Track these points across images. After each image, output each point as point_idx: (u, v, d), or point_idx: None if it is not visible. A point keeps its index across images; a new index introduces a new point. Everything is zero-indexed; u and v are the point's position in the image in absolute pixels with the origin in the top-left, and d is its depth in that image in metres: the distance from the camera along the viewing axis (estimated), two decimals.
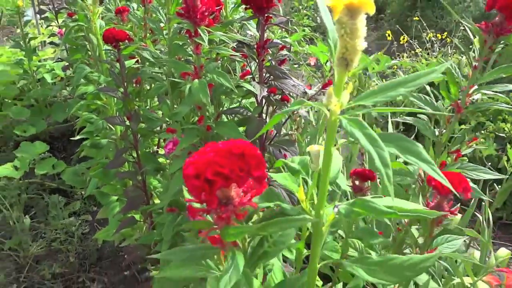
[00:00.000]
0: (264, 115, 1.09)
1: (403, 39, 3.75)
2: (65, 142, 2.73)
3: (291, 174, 0.48)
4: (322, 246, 0.48)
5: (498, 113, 2.25)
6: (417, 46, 3.37)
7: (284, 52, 1.08)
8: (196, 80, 0.93)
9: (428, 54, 3.27)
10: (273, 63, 1.06)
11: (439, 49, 3.30)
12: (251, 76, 1.05)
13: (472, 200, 1.53)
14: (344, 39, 0.37)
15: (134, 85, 1.47)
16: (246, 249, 0.47)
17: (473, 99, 0.81)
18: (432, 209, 0.67)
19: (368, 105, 0.40)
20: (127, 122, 1.19)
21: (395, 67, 2.96)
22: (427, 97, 0.84)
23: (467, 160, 0.83)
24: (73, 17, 1.75)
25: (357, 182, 0.83)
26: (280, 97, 1.03)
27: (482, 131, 2.28)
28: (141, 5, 1.60)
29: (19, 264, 1.81)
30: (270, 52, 1.11)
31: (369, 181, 0.82)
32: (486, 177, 0.80)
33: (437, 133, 0.84)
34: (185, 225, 0.68)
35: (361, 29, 0.37)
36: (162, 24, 1.30)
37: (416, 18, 4.09)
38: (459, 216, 1.59)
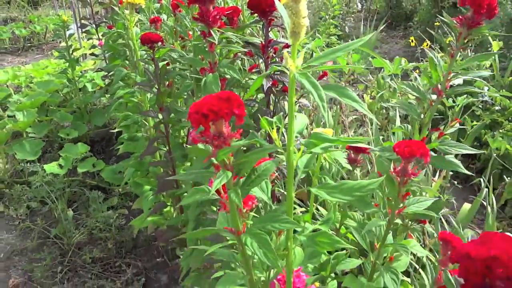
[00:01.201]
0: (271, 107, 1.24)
1: (427, 45, 3.83)
2: (104, 145, 2.96)
3: (269, 123, 0.64)
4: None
5: None
6: (439, 51, 3.44)
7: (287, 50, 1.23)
8: (210, 74, 1.09)
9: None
10: (277, 60, 1.21)
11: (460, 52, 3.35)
12: (257, 70, 1.21)
13: (483, 192, 1.61)
14: (292, 18, 0.52)
15: (166, 86, 1.66)
16: (240, 183, 0.62)
17: (453, 83, 0.93)
18: (397, 173, 0.80)
19: (317, 65, 0.55)
20: (160, 115, 1.37)
21: (417, 71, 3.06)
22: (415, 84, 0.97)
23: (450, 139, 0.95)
24: (112, 29, 1.97)
25: (352, 155, 0.96)
26: (281, 88, 1.18)
27: (500, 130, 2.34)
28: (171, 15, 1.79)
29: (63, 249, 2.01)
30: (277, 49, 1.27)
31: (363, 153, 0.95)
32: (464, 152, 0.91)
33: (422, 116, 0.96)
34: (190, 151, 0.82)
35: (303, 10, 0.52)
36: (189, 31, 1.48)
37: (437, 23, 4.15)
38: (468, 205, 1.67)
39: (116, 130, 1.96)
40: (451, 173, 1.89)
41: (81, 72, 3.10)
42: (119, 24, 1.52)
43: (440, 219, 1.44)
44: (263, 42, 1.23)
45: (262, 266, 0.72)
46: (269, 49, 1.25)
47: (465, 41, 0.89)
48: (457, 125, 0.95)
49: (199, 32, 1.38)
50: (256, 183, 0.63)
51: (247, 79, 1.24)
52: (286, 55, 0.56)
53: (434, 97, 0.92)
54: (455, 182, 2.07)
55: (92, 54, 2.94)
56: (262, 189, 0.71)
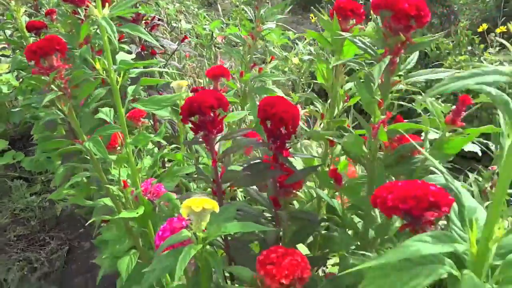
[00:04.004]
0: None
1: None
2: (24, 141, 3.08)
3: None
4: None
5: None
6: None
7: (156, 21, 1.48)
8: (84, 45, 1.32)
9: None
10: (147, 30, 1.46)
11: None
12: (129, 38, 1.45)
13: None
14: None
15: None
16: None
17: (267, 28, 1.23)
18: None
19: (120, 10, 0.81)
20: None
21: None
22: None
23: None
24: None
25: None
26: (150, 51, 1.43)
27: None
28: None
29: None
30: (147, 23, 1.52)
31: None
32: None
33: None
34: (32, 79, 1.05)
35: None
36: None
37: None
38: None
39: (29, 115, 2.12)
40: None
41: None
42: (8, 15, 1.70)
43: None
44: (133, 17, 1.48)
45: (100, 162, 0.97)
46: (139, 22, 1.50)
47: None
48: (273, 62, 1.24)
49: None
50: (91, 105, 0.88)
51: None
52: (92, 7, 0.81)
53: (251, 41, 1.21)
54: None
55: (3, 55, 3.03)
56: (105, 112, 0.96)
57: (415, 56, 0.79)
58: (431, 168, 0.79)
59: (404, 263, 0.41)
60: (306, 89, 2.49)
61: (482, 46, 2.72)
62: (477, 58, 2.66)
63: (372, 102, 0.72)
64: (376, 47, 0.79)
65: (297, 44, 2.63)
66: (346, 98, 0.92)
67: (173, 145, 1.44)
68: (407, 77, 0.71)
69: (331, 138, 0.85)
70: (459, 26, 2.75)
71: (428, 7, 0.70)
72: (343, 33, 0.78)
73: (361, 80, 0.77)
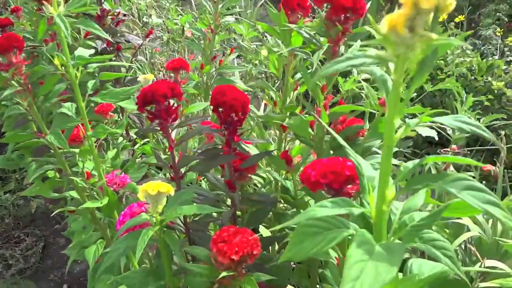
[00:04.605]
0: None
1: None
2: None
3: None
4: None
5: None
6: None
7: (121, 16, 1.51)
8: (51, 43, 1.35)
9: None
10: (112, 25, 1.49)
11: None
12: (91, 36, 1.48)
13: None
14: None
15: None
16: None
17: (225, 21, 1.27)
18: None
19: (74, 7, 0.84)
20: None
21: None
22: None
23: None
24: None
25: None
26: (115, 47, 1.46)
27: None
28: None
29: None
30: (114, 18, 1.54)
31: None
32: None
33: None
34: None
35: None
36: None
37: None
38: None
39: None
40: None
41: None
42: None
43: None
44: (98, 13, 1.50)
45: (65, 155, 1.01)
46: (104, 18, 1.52)
47: None
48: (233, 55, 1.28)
49: None
50: (51, 99, 0.92)
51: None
52: (48, 5, 0.84)
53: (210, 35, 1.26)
54: None
55: None
56: (67, 107, 0.99)
57: (357, 44, 0.85)
58: (374, 148, 0.85)
59: (317, 229, 0.46)
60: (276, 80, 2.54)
61: (446, 34, 2.81)
62: None
63: (315, 87, 0.77)
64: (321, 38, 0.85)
65: (266, 37, 2.68)
66: (296, 86, 0.97)
67: (146, 139, 1.48)
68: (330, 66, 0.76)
69: (281, 122, 0.90)
70: None
71: None
72: (289, 25, 0.83)
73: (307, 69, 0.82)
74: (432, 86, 1.83)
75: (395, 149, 0.93)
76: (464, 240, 1.21)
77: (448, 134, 1.67)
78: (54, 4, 0.85)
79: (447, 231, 1.25)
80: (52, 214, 1.06)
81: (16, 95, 0.89)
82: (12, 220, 2.21)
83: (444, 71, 2.64)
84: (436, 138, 1.04)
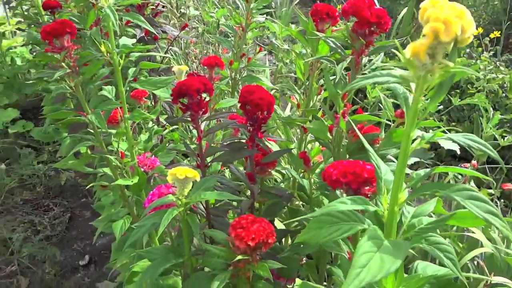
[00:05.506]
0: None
1: None
2: (34, 112, 3.22)
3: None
4: None
5: None
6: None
7: (160, 8, 1.59)
8: (94, 27, 1.44)
9: None
10: (151, 15, 1.57)
11: None
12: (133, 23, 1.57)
13: None
14: None
15: None
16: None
17: (256, 20, 1.33)
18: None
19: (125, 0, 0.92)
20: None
21: None
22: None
23: None
24: None
25: None
26: (153, 37, 1.54)
27: None
28: None
29: None
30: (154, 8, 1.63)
31: None
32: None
33: None
34: (39, 55, 1.18)
35: None
36: None
37: None
38: None
39: (40, 88, 2.24)
40: None
41: (10, 48, 3.31)
42: None
43: None
44: (139, 3, 1.59)
45: (102, 135, 1.10)
46: (144, 8, 1.61)
47: None
48: (262, 53, 1.35)
49: None
50: (96, 82, 1.00)
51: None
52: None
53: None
54: None
55: (19, 29, 3.16)
56: (108, 90, 1.08)
57: (380, 57, 0.90)
58: (389, 156, 0.90)
59: (336, 219, 0.53)
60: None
61: (480, 49, 2.79)
62: (473, 61, 2.74)
63: (336, 95, 0.83)
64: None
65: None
66: (319, 90, 1.03)
67: (174, 126, 1.56)
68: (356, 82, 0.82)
69: (302, 124, 0.96)
70: None
71: None
72: (317, 33, 0.89)
73: (330, 77, 0.88)
74: (460, 100, 1.85)
75: (417, 159, 0.98)
76: (477, 256, 1.24)
77: (472, 150, 1.69)
78: None
79: (461, 245, 1.29)
80: (86, 188, 1.15)
81: (65, 76, 0.98)
82: (43, 189, 2.35)
83: (474, 85, 2.63)
84: (458, 152, 1.08)
